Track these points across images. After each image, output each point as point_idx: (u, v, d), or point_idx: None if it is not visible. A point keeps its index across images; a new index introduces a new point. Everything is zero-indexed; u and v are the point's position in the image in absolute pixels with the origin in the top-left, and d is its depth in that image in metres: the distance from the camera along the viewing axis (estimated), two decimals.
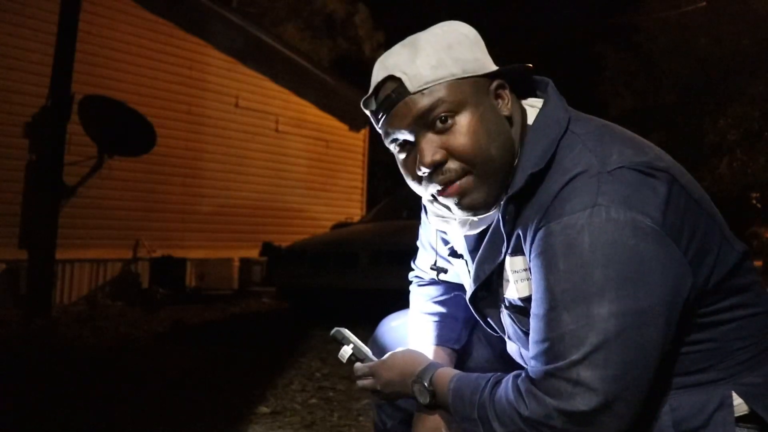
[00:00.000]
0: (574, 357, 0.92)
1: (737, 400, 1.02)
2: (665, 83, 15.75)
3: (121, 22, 8.68)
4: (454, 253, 1.30)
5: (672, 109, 15.61)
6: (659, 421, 1.01)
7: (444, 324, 1.37)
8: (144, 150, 8.09)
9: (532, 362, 0.98)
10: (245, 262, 9.69)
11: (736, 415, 1.02)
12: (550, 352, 0.94)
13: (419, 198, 1.41)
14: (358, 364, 1.29)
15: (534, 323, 0.99)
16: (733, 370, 1.03)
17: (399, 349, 1.28)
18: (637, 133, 1.13)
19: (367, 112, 1.14)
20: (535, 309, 1.00)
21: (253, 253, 9.80)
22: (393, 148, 1.13)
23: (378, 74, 1.10)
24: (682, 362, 1.03)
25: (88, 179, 7.55)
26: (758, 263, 12.37)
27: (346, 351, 1.31)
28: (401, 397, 1.22)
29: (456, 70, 1.07)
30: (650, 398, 1.00)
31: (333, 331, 1.35)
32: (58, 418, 2.97)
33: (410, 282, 1.52)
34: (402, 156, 1.12)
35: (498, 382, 1.02)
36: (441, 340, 1.35)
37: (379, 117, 1.11)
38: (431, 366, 1.17)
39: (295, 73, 10.97)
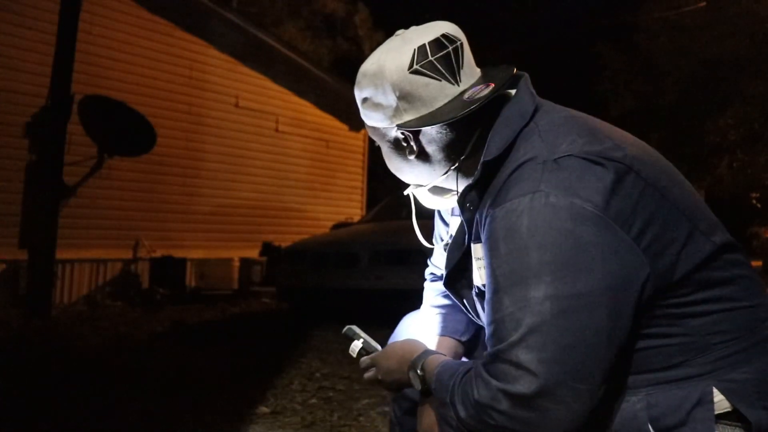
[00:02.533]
0: (512, 339, 0.93)
1: (718, 397, 1.00)
2: (665, 83, 15.74)
3: (121, 22, 8.69)
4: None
5: (672, 109, 15.59)
6: (636, 418, 1.00)
7: (450, 316, 1.40)
8: (144, 150, 8.09)
9: (486, 346, 1.00)
10: (245, 262, 9.69)
11: (718, 412, 1.00)
12: (495, 335, 0.97)
13: None
14: (363, 358, 1.33)
15: (485, 307, 1.02)
16: (713, 366, 1.02)
17: (400, 338, 1.32)
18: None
19: None
20: (486, 293, 1.02)
21: (253, 253, 9.80)
22: None
23: None
24: (655, 356, 1.02)
25: (88, 179, 7.54)
26: (758, 263, 12.39)
27: (356, 345, 1.35)
28: (403, 386, 1.24)
29: (365, 119, 1.23)
30: (623, 394, 1.00)
31: (345, 329, 1.39)
32: (58, 418, 2.97)
33: (425, 280, 1.56)
34: None
35: (470, 369, 1.03)
36: (446, 331, 1.38)
37: None
38: (425, 353, 1.19)
39: (295, 73, 10.97)
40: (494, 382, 0.94)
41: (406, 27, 1.20)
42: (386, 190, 11.81)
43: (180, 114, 9.38)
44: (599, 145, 1.04)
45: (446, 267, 1.24)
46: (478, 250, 1.12)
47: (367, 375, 1.30)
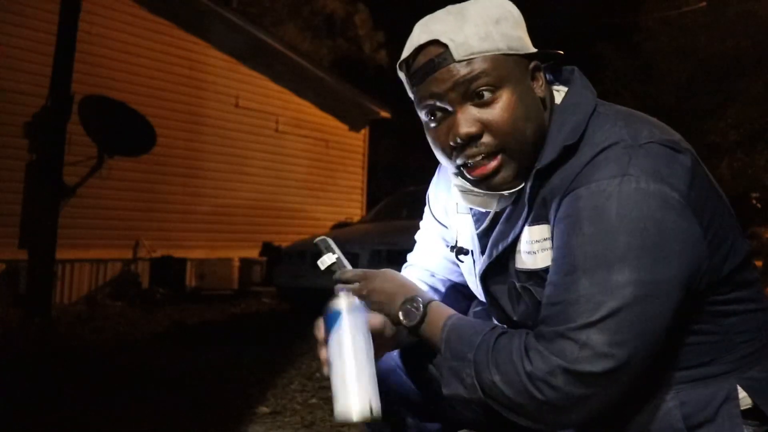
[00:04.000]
0: (588, 320, 0.92)
1: (741, 394, 1.03)
2: (665, 83, 15.74)
3: (121, 22, 8.69)
4: (459, 250, 1.29)
5: (672, 109, 15.60)
6: (669, 416, 1.01)
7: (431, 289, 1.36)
8: (144, 150, 8.08)
9: (541, 324, 0.98)
10: (245, 262, 9.69)
11: (741, 408, 1.02)
12: (563, 313, 0.95)
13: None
14: (347, 269, 1.23)
15: (549, 287, 1.00)
16: (737, 364, 1.04)
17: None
18: None
19: (401, 75, 1.12)
20: (553, 273, 1.00)
21: (253, 253, 9.80)
22: (425, 116, 1.11)
23: (420, 37, 1.07)
24: (691, 353, 1.04)
25: (88, 179, 7.53)
26: (758, 263, 12.37)
27: (328, 258, 1.23)
28: (380, 312, 1.17)
29: (502, 46, 1.06)
30: (660, 392, 1.01)
31: (317, 239, 1.26)
32: (58, 418, 2.97)
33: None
34: (433, 125, 1.10)
35: (504, 333, 1.02)
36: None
37: (415, 81, 1.09)
38: (429, 295, 1.17)
39: (295, 73, 10.97)
40: (554, 359, 0.93)
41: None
42: (386, 190, 11.82)
43: (180, 114, 9.38)
44: (673, 135, 1.05)
45: (488, 258, 1.17)
46: (535, 233, 1.08)
47: (347, 286, 1.18)
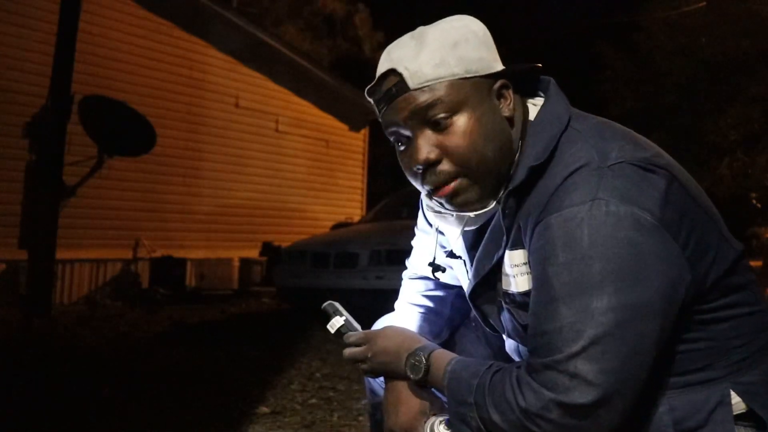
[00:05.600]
0: (572, 350, 0.92)
1: (735, 399, 1.02)
2: (665, 83, 15.73)
3: (121, 22, 8.69)
4: (451, 254, 1.30)
5: (672, 109, 15.58)
6: (659, 422, 1.01)
7: (427, 317, 1.38)
8: (144, 150, 8.07)
9: (530, 355, 0.98)
10: (245, 262, 9.70)
11: (735, 413, 1.02)
12: (548, 345, 0.94)
13: (419, 197, 1.41)
14: (351, 332, 1.26)
15: (532, 316, 1.00)
16: (730, 369, 1.04)
17: (395, 324, 1.29)
18: (637, 133, 1.13)
19: (371, 101, 1.16)
20: (534, 302, 1.00)
21: (253, 253, 9.80)
22: (392, 140, 1.14)
23: (382, 65, 1.11)
24: (681, 361, 1.03)
25: (88, 179, 7.52)
26: (758, 263, 12.38)
27: (337, 321, 1.28)
28: (387, 371, 1.19)
29: (458, 70, 1.07)
30: (649, 398, 1.00)
31: (325, 304, 1.31)
32: (58, 418, 2.97)
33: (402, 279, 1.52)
34: (400, 149, 1.14)
35: (498, 371, 1.01)
36: (423, 331, 1.35)
37: (380, 108, 1.13)
38: (430, 344, 1.17)
39: (295, 73, 10.98)
40: (546, 392, 0.92)
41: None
42: (386, 190, 11.82)
43: (180, 114, 9.39)
44: (645, 152, 1.04)
45: (474, 278, 1.19)
46: (514, 257, 1.09)
47: (354, 351, 1.22)
